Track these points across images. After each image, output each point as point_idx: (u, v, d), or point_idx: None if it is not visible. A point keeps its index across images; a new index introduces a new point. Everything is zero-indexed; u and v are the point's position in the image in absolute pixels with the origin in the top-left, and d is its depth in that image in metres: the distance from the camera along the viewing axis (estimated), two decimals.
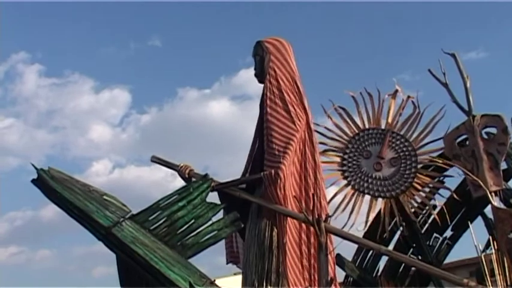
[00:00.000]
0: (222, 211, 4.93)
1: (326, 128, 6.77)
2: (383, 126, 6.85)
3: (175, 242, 4.67)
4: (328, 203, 6.01)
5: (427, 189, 6.59)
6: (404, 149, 6.70)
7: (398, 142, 6.73)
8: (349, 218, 6.37)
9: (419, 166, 6.63)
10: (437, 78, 6.52)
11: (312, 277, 4.82)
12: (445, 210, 6.51)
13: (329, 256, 4.83)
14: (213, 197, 5.09)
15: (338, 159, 6.68)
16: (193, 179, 5.37)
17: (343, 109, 6.84)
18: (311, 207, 4.61)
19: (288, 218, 4.93)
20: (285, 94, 5.35)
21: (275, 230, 4.99)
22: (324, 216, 4.68)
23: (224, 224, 4.77)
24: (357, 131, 6.80)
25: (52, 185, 4.59)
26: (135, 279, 4.68)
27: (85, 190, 4.71)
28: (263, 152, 5.27)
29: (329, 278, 3.97)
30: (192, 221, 4.72)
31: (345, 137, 6.78)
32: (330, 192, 6.39)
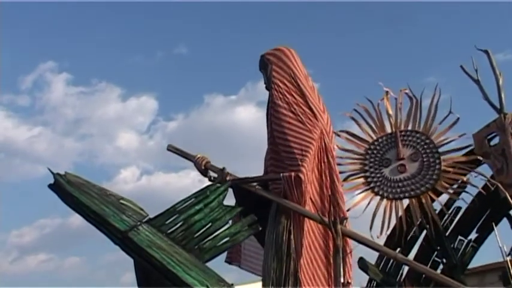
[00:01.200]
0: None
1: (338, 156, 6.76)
2: (389, 130, 6.80)
3: (192, 246, 4.62)
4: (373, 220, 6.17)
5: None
6: (419, 140, 6.63)
7: (410, 137, 6.67)
8: (381, 229, 6.32)
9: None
10: (469, 74, 6.40)
11: (328, 282, 4.74)
12: (470, 212, 6.40)
13: (347, 259, 4.76)
14: (230, 200, 5.03)
15: (362, 180, 6.62)
16: (210, 172, 5.32)
17: (347, 132, 6.81)
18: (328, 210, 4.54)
19: (306, 221, 4.85)
20: (293, 100, 5.31)
21: (292, 233, 4.92)
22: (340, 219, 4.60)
23: (241, 227, 4.72)
24: (367, 146, 6.76)
25: (69, 190, 4.58)
26: (153, 284, 4.64)
27: (102, 194, 4.70)
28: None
29: (345, 282, 3.88)
30: (209, 224, 4.67)
31: (358, 156, 6.73)
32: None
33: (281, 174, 4.95)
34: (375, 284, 6.63)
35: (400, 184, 6.55)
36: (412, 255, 6.84)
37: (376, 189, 6.58)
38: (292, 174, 4.92)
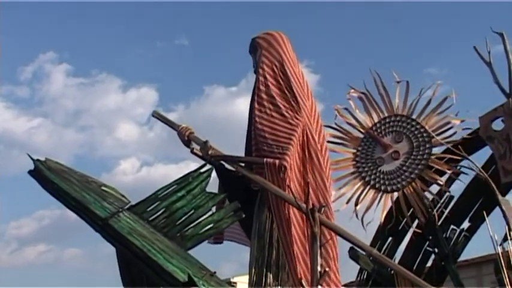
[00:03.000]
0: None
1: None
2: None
3: (174, 233, 4.52)
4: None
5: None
6: (395, 123, 6.62)
7: (383, 127, 6.66)
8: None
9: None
10: (482, 56, 6.29)
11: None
12: (462, 200, 6.34)
13: (329, 249, 4.69)
14: (213, 187, 4.95)
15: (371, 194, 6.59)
16: (193, 144, 5.21)
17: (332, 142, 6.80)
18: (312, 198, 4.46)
19: (292, 212, 4.77)
20: (279, 86, 5.23)
21: (275, 222, 4.85)
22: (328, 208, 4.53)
23: (225, 214, 4.62)
24: (353, 156, 6.77)
25: (49, 176, 4.48)
26: (135, 272, 4.57)
27: (82, 181, 4.60)
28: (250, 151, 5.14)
29: (322, 271, 3.79)
30: (192, 211, 4.57)
31: (352, 168, 6.76)
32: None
33: (264, 160, 4.85)
34: (365, 274, 6.57)
35: (396, 174, 6.50)
36: (403, 245, 6.81)
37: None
38: (277, 161, 4.83)
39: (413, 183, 6.38)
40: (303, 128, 5.05)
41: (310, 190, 4.75)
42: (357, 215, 6.47)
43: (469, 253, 7.26)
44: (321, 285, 3.82)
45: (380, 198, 6.48)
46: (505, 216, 5.65)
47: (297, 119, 5.03)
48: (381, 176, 6.52)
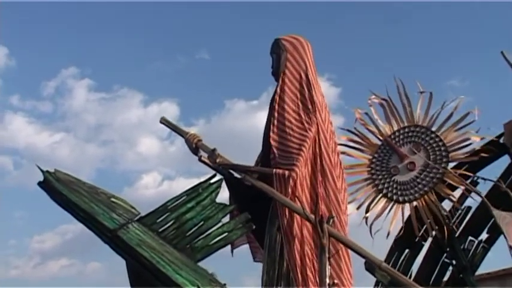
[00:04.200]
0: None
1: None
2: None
3: (184, 245, 4.45)
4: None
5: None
6: (414, 133, 6.52)
7: (404, 135, 6.55)
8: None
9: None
10: (510, 62, 6.16)
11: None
12: (480, 212, 6.22)
13: (343, 259, 4.60)
14: (224, 199, 4.88)
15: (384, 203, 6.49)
16: (201, 151, 5.13)
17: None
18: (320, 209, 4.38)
19: (296, 220, 4.68)
20: (299, 93, 5.11)
21: (283, 238, 4.77)
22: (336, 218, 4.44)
23: (235, 225, 4.54)
24: (368, 162, 6.67)
25: (58, 187, 4.46)
26: (144, 284, 4.51)
27: (91, 192, 4.56)
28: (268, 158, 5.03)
29: (331, 283, 3.70)
30: (202, 222, 4.50)
31: (366, 174, 6.66)
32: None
33: (274, 170, 4.78)
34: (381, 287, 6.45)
35: (410, 185, 6.40)
36: (421, 257, 6.70)
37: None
38: (286, 172, 4.74)
39: (426, 196, 6.25)
40: (316, 138, 4.96)
41: (321, 202, 4.67)
42: (366, 222, 6.38)
43: (492, 266, 7.14)
44: None
45: (391, 208, 6.38)
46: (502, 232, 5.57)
47: (311, 130, 4.94)
48: (394, 186, 6.42)
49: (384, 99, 6.75)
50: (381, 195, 6.43)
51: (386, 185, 6.44)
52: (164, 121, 5.37)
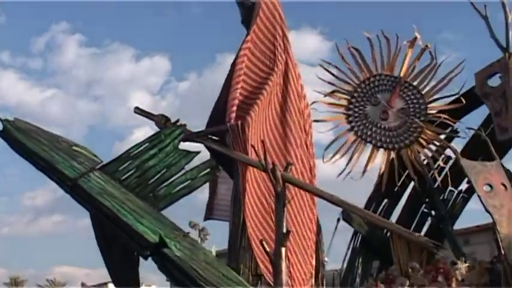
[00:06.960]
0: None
1: (337, 67, 6.48)
2: (396, 74, 6.51)
3: (146, 193, 4.36)
4: (327, 147, 6.16)
5: (433, 147, 6.21)
6: (415, 100, 6.33)
7: (410, 93, 6.37)
8: (346, 165, 6.10)
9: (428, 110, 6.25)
10: (478, 10, 6.14)
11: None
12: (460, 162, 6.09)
13: (303, 208, 4.55)
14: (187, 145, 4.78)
15: (345, 102, 6.36)
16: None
17: (357, 50, 6.51)
18: (289, 154, 4.29)
19: (250, 170, 4.61)
20: (268, 43, 5.15)
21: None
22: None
23: (198, 172, 4.44)
24: (368, 75, 6.47)
25: (16, 136, 4.33)
26: (108, 235, 4.43)
27: (52, 140, 4.44)
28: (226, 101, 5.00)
29: (286, 231, 3.58)
30: (164, 170, 4.40)
31: (356, 80, 6.48)
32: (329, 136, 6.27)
33: (228, 125, 4.72)
34: (360, 237, 6.40)
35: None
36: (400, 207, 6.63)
37: (350, 119, 6.37)
38: (239, 123, 4.69)
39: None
40: (278, 79, 4.93)
41: (291, 148, 4.62)
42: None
43: (481, 219, 7.08)
44: (285, 246, 3.63)
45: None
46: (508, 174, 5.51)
47: (275, 71, 4.91)
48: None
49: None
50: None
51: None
52: (138, 110, 5.32)
